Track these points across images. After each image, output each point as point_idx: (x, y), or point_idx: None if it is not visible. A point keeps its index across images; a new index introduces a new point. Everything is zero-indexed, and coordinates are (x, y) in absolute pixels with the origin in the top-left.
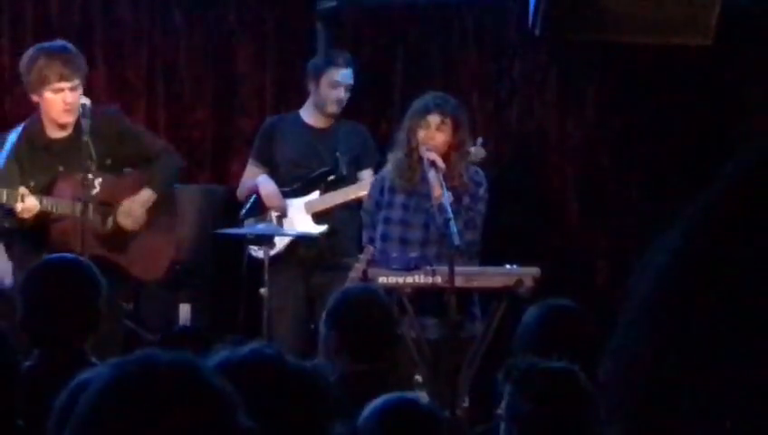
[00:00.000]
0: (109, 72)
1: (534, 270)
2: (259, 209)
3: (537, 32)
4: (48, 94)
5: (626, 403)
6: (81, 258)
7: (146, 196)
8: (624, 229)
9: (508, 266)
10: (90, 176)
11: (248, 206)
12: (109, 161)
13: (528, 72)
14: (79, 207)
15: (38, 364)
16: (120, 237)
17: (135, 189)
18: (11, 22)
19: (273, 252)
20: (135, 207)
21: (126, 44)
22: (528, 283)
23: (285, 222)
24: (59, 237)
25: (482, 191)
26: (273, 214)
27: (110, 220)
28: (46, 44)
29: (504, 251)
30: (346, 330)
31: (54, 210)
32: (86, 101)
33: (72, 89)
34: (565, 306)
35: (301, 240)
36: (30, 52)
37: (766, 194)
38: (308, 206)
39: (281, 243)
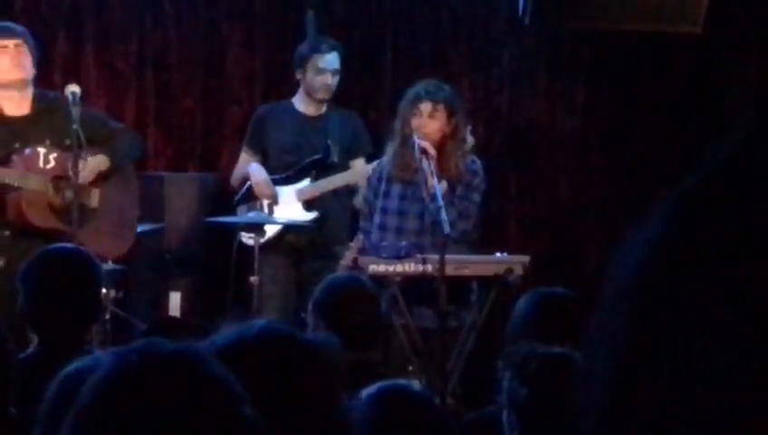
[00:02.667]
0: (98, 61)
1: (524, 258)
2: (252, 197)
3: (527, 20)
4: None
5: (600, 399)
6: (81, 248)
7: (100, 159)
8: (614, 217)
9: (498, 254)
10: (77, 161)
11: (241, 193)
12: (67, 141)
13: (518, 60)
14: (34, 178)
15: (38, 352)
16: (78, 213)
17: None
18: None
19: (263, 239)
20: (89, 166)
21: (115, 33)
22: (518, 271)
23: (276, 210)
24: (12, 210)
25: (477, 181)
26: (265, 201)
27: (66, 193)
28: None
29: (494, 239)
30: (333, 319)
31: (7, 181)
32: (76, 88)
33: (17, 46)
34: (559, 294)
35: (291, 228)
36: None
37: (744, 184)
38: (298, 193)
39: (271, 230)
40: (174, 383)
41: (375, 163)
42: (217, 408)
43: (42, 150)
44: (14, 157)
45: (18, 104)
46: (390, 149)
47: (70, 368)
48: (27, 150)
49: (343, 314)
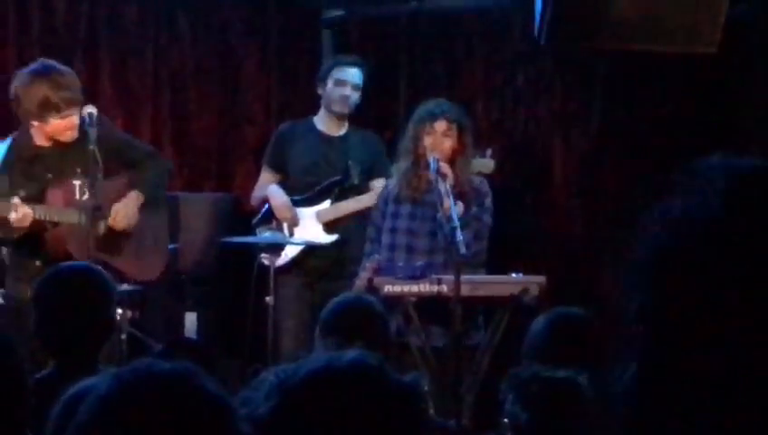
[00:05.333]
0: (114, 81)
1: (540, 279)
2: (272, 218)
3: (542, 40)
4: (54, 121)
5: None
6: (93, 266)
7: (134, 196)
8: (628, 238)
9: (514, 275)
10: (94, 183)
11: (261, 214)
12: (101, 172)
13: (533, 80)
14: (71, 213)
15: (52, 373)
16: (112, 240)
17: (123, 193)
18: (17, 30)
19: (283, 261)
20: (126, 208)
21: (131, 52)
22: (533, 291)
23: (296, 231)
24: (54, 244)
25: (488, 202)
26: (285, 223)
27: (101, 224)
28: (37, 70)
29: (509, 260)
30: (340, 340)
31: (47, 218)
32: (92, 109)
33: (79, 109)
34: (574, 314)
35: (311, 249)
36: (24, 79)
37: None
38: (319, 215)
39: (292, 252)
40: (171, 401)
41: (380, 185)
42: (214, 426)
43: (77, 183)
44: (50, 191)
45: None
46: (400, 168)
47: (74, 388)
48: (62, 185)
49: (350, 334)
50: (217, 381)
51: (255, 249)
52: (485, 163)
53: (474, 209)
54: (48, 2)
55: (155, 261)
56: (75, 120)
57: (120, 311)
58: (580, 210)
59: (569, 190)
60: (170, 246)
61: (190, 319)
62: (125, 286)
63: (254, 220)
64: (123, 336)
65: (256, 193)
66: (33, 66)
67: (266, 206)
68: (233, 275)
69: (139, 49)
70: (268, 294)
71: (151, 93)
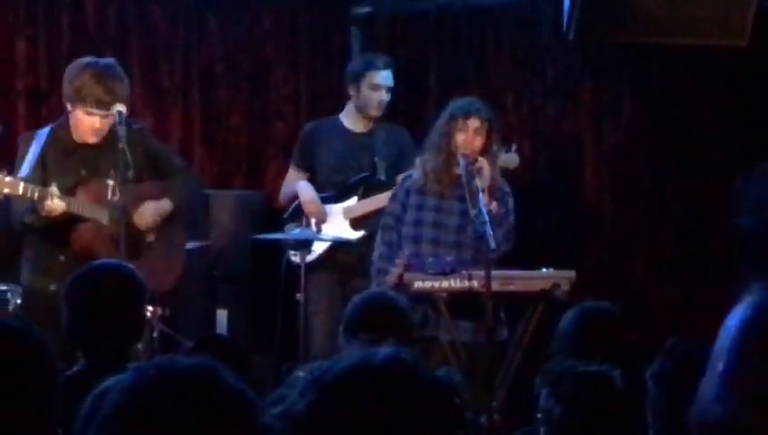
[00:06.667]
0: (144, 80)
1: (571, 273)
2: (300, 215)
3: (571, 35)
4: (80, 113)
5: None
6: (125, 264)
7: (164, 204)
8: (660, 231)
9: (544, 270)
10: (121, 182)
11: (290, 211)
12: (130, 173)
13: (562, 75)
14: (101, 212)
15: (83, 370)
16: (133, 244)
17: (155, 197)
18: (47, 31)
19: (311, 257)
20: (154, 210)
21: (161, 52)
22: (564, 286)
23: (324, 228)
24: (78, 241)
25: (511, 203)
26: (313, 220)
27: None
28: (96, 62)
29: (540, 254)
30: (363, 336)
31: (80, 212)
32: (122, 108)
33: (105, 116)
34: (604, 309)
35: (339, 246)
36: (80, 63)
37: None
38: (346, 211)
39: (319, 248)
40: (193, 396)
41: (400, 177)
42: (236, 419)
43: (110, 183)
44: (81, 188)
45: None
46: (426, 161)
47: (102, 385)
48: (95, 182)
49: (376, 331)
50: (245, 376)
51: (285, 246)
52: (511, 158)
53: (501, 210)
54: (78, 1)
55: (169, 273)
56: (98, 122)
57: (151, 308)
58: (610, 205)
59: (599, 185)
60: (203, 244)
61: (221, 316)
62: None
63: (284, 216)
64: (155, 334)
65: (284, 191)
66: (97, 59)
67: (295, 202)
68: (263, 272)
69: (168, 48)
70: (298, 291)
71: (181, 92)
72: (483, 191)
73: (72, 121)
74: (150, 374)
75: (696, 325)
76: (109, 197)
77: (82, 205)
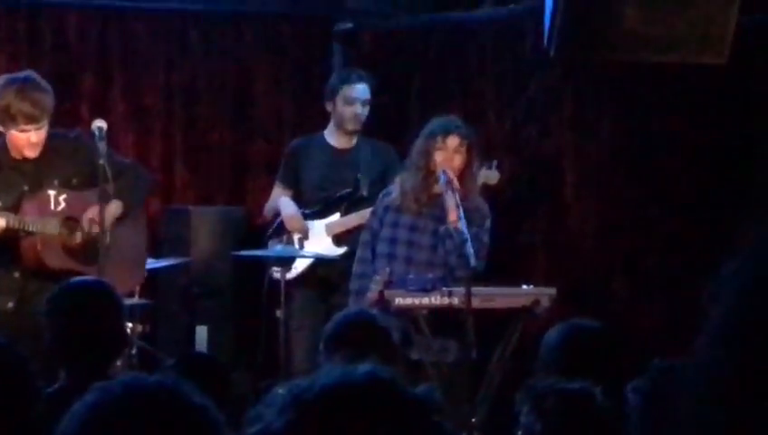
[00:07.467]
0: (126, 96)
1: (551, 290)
2: (283, 231)
3: (552, 51)
4: (14, 133)
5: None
6: (103, 280)
7: (113, 206)
8: (641, 248)
9: (525, 287)
10: (105, 197)
11: (273, 227)
12: (75, 181)
13: (544, 91)
14: (49, 222)
15: (64, 387)
16: (88, 251)
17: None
18: (29, 47)
19: (293, 274)
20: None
21: (143, 68)
22: (545, 303)
23: (307, 244)
24: (28, 255)
25: (488, 223)
26: (296, 236)
27: (77, 234)
28: (16, 78)
29: (521, 271)
30: (343, 354)
31: (21, 227)
32: (102, 123)
33: (38, 129)
34: (588, 326)
35: (321, 262)
36: (1, 83)
37: None
38: (328, 228)
39: (302, 265)
40: (156, 414)
41: (382, 193)
42: None
43: (51, 193)
44: (25, 202)
45: None
46: (405, 180)
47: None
48: (37, 196)
49: (356, 348)
50: (224, 394)
51: (267, 263)
52: (491, 174)
53: (474, 229)
54: (59, 17)
55: (131, 274)
56: (34, 137)
57: (130, 325)
58: (592, 222)
59: (581, 201)
60: (183, 260)
61: (201, 332)
62: (136, 300)
63: (267, 233)
64: (134, 350)
65: (268, 207)
66: (16, 74)
67: (279, 219)
68: (244, 288)
69: (150, 65)
70: (279, 308)
71: (163, 108)
72: (459, 206)
73: (7, 142)
74: (115, 392)
75: (679, 344)
76: (52, 207)
77: (26, 219)
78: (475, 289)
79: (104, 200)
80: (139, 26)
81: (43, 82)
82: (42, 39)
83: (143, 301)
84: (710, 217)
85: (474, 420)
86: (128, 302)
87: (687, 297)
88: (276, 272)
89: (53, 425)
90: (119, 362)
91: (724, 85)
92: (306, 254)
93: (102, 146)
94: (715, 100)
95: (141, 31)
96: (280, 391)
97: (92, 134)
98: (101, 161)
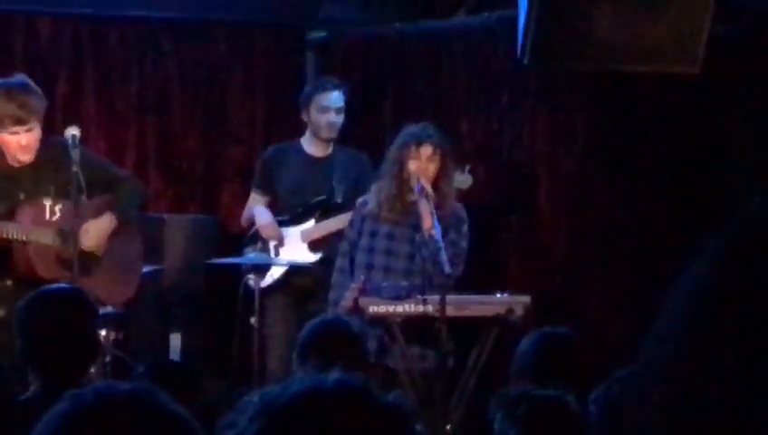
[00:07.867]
0: (99, 102)
1: (525, 298)
2: (259, 238)
3: (526, 60)
4: (5, 136)
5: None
6: (76, 287)
7: (107, 220)
8: (616, 256)
9: (499, 295)
10: (77, 205)
11: (249, 235)
12: (84, 196)
13: (517, 100)
14: (44, 232)
15: (39, 395)
16: (82, 261)
17: (96, 215)
18: (0, 55)
19: (268, 281)
20: (96, 229)
21: (115, 74)
22: (519, 311)
23: (282, 251)
24: (21, 264)
25: (465, 228)
26: (272, 243)
27: (71, 245)
28: (4, 82)
29: (494, 279)
30: (316, 361)
31: (16, 236)
32: (76, 131)
33: (28, 130)
34: (562, 334)
35: (295, 269)
36: None
37: None
38: (303, 234)
39: (277, 272)
40: (129, 421)
41: (359, 201)
42: None
43: (47, 203)
44: (20, 211)
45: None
46: (381, 189)
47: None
48: (32, 204)
49: (329, 356)
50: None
51: (241, 270)
52: (463, 179)
53: (451, 235)
54: (32, 22)
55: (125, 285)
56: (24, 140)
57: (104, 333)
58: (565, 229)
59: (554, 210)
60: (157, 268)
61: (175, 340)
62: (109, 308)
63: (244, 240)
64: (107, 358)
65: (245, 214)
66: (5, 78)
67: (255, 227)
68: (218, 296)
69: (123, 71)
70: (254, 315)
71: (136, 114)
72: (433, 214)
73: (2, 147)
74: (88, 400)
75: None
76: (47, 217)
77: (19, 228)
78: (449, 297)
79: (76, 207)
80: (112, 34)
81: (33, 85)
82: (14, 45)
83: (116, 309)
84: (684, 226)
85: (448, 427)
86: (102, 310)
87: (660, 305)
88: (251, 279)
89: (27, 432)
90: (92, 370)
91: (697, 94)
92: (279, 261)
93: (76, 153)
94: (689, 109)
95: (114, 38)
96: (252, 398)
97: (66, 141)
98: (75, 169)
